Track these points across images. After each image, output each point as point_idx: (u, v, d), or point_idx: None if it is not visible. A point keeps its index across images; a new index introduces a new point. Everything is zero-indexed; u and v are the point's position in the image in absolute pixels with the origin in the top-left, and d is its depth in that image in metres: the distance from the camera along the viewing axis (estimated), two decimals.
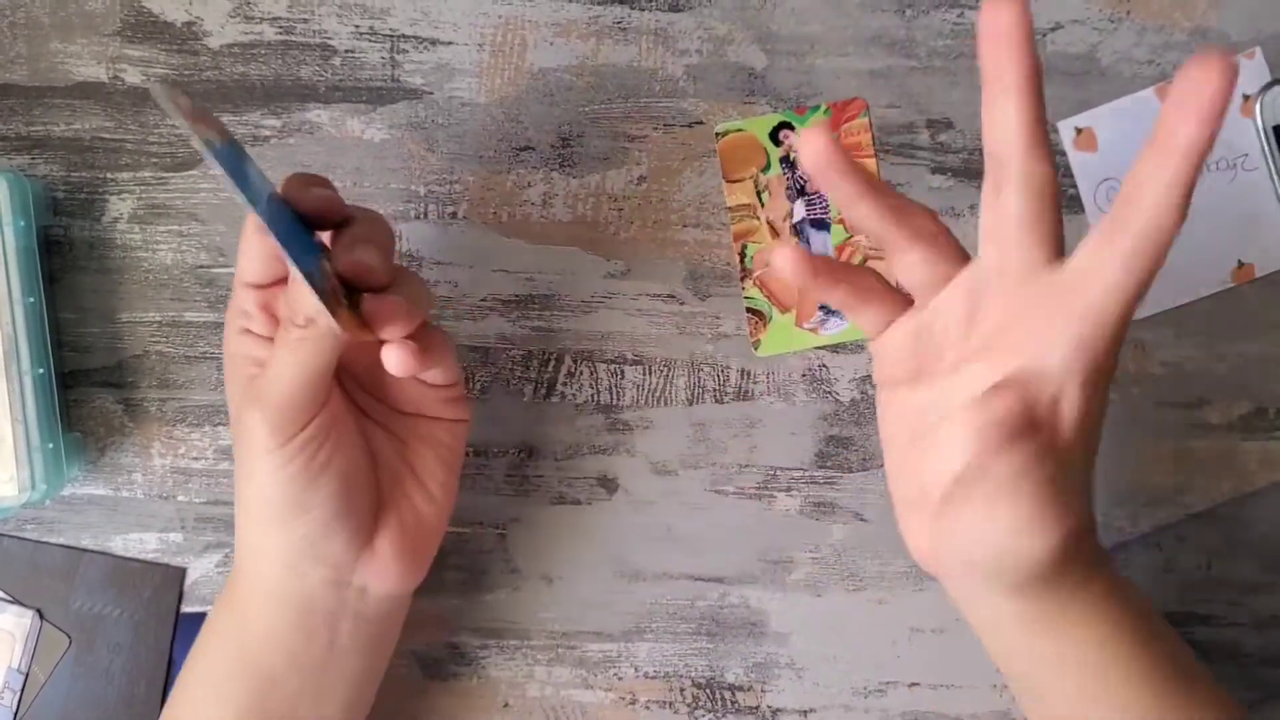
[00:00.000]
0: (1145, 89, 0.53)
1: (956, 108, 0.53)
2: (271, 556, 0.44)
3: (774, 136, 0.53)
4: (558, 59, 0.53)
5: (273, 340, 0.43)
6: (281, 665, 0.45)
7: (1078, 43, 0.53)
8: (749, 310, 0.54)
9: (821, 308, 0.54)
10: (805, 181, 0.53)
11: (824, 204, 0.53)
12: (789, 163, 0.53)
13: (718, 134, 0.53)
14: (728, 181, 0.53)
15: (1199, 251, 0.53)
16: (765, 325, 0.54)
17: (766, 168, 0.53)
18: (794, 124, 0.53)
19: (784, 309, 0.54)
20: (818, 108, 0.53)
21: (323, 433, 0.43)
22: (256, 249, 0.43)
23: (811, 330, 0.54)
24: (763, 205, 0.53)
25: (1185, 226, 0.54)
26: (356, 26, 0.53)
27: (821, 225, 0.53)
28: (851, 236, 0.53)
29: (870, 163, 0.53)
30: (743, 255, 0.54)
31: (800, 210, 0.53)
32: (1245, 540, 0.54)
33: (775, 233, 0.53)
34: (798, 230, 0.53)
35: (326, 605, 0.45)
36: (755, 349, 0.54)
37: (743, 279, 0.54)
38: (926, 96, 0.53)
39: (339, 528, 0.44)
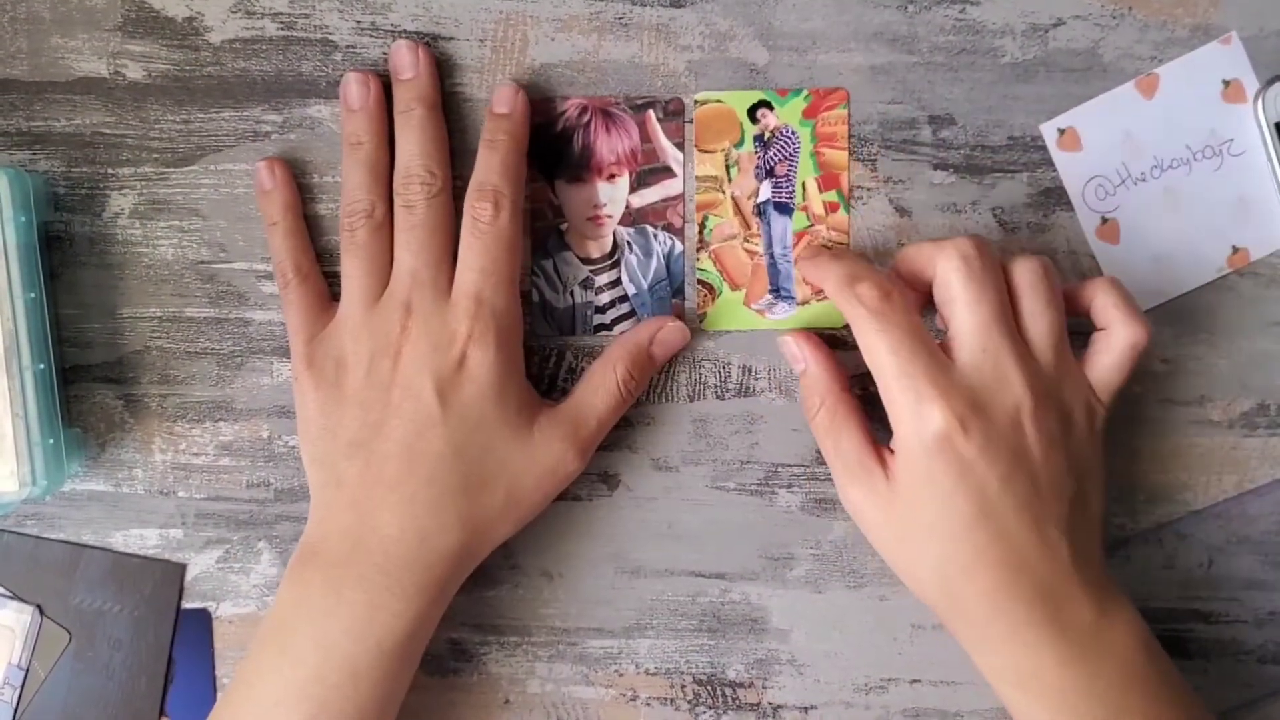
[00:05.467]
0: (1125, 84, 0.53)
1: (958, 104, 0.53)
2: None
3: (751, 114, 0.53)
4: (559, 54, 0.53)
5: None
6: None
7: (1080, 39, 0.53)
8: (700, 282, 0.53)
9: (771, 290, 0.53)
10: (775, 164, 0.53)
11: (790, 189, 0.53)
12: (762, 141, 0.53)
13: (696, 102, 0.53)
14: (699, 150, 0.53)
15: (1192, 240, 0.53)
16: (714, 299, 0.53)
17: (740, 143, 0.53)
18: (774, 104, 0.53)
19: (735, 286, 0.53)
20: (799, 91, 0.53)
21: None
22: None
23: (759, 313, 0.53)
24: (730, 180, 0.53)
25: (1176, 217, 0.54)
26: (358, 22, 0.53)
27: (784, 210, 0.53)
28: (812, 224, 0.53)
29: (842, 155, 0.52)
30: (702, 226, 0.53)
31: (766, 191, 0.53)
32: (1246, 537, 0.54)
33: (738, 209, 0.53)
34: (760, 211, 0.53)
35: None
36: (700, 322, 0.54)
37: (699, 250, 0.53)
38: (928, 92, 0.53)
39: None
